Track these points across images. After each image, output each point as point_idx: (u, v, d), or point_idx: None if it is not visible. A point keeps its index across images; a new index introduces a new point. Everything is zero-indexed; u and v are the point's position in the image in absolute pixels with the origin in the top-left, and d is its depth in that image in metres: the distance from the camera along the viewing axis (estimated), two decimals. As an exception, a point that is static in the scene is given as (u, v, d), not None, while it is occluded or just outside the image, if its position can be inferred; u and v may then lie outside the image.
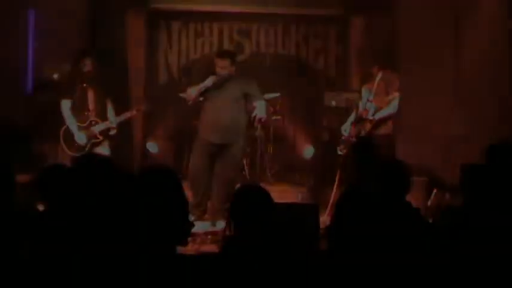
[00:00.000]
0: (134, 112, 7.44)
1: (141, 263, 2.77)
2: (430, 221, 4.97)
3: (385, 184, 4.12)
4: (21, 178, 6.51)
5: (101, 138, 7.13)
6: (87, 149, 7.03)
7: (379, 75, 7.09)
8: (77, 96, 7.08)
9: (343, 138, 7.32)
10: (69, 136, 7.05)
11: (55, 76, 8.65)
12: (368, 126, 7.01)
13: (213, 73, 6.82)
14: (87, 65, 7.04)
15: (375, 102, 7.01)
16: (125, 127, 8.74)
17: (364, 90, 7.27)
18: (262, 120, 6.99)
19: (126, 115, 7.32)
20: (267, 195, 3.46)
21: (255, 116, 6.95)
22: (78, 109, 7.08)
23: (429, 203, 7.27)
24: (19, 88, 8.92)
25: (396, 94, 7.06)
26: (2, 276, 3.23)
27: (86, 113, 7.10)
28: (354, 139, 7.06)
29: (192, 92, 6.91)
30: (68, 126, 7.06)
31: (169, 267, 2.82)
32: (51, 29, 8.85)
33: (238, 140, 6.89)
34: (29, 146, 8.26)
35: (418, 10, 8.63)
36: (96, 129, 7.10)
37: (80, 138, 7.00)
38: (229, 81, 6.79)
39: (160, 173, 3.06)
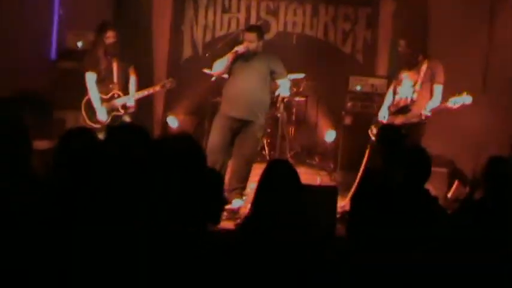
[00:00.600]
0: (158, 88, 7.41)
1: (170, 239, 2.74)
2: (449, 212, 4.95)
3: (406, 170, 4.11)
4: (41, 144, 6.62)
5: (122, 111, 7.13)
6: (108, 120, 7.04)
7: (425, 63, 6.95)
8: (103, 68, 7.07)
9: (378, 121, 7.17)
10: (90, 107, 7.06)
11: (79, 44, 8.68)
12: (417, 118, 6.83)
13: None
14: (110, 37, 7.02)
15: (420, 91, 6.88)
16: (146, 101, 8.77)
17: (406, 77, 7.09)
18: (285, 99, 6.96)
19: (150, 90, 7.31)
20: (296, 174, 3.48)
21: (278, 95, 6.91)
22: (103, 81, 7.08)
23: (449, 194, 7.23)
24: (43, 54, 8.99)
25: (441, 85, 6.91)
26: (17, 241, 3.25)
27: (110, 86, 7.11)
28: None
29: (220, 63, 6.89)
30: (89, 98, 7.06)
31: (200, 244, 2.81)
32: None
33: (260, 117, 6.84)
34: (50, 113, 8.33)
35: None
36: (119, 102, 7.10)
37: (102, 114, 7.01)
38: (256, 57, 6.75)
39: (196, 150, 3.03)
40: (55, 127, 8.16)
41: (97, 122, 7.02)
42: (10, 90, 8.15)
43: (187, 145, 2.93)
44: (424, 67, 6.96)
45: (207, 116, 7.44)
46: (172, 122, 9.54)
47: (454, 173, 7.63)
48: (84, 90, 7.16)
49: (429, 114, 6.69)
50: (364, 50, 10.06)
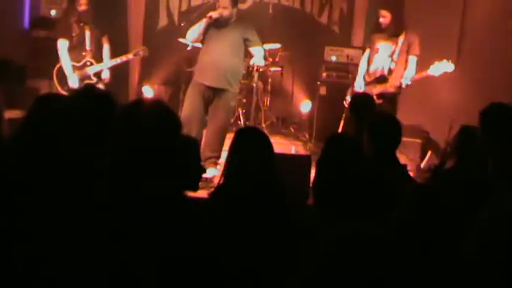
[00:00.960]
0: (131, 56, 7.35)
1: (148, 205, 2.70)
2: (421, 181, 5.01)
3: (377, 137, 4.13)
4: (13, 113, 6.55)
5: (94, 80, 7.08)
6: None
7: (403, 35, 6.96)
8: (75, 36, 6.99)
9: (353, 91, 7.20)
10: (63, 75, 7.00)
11: (52, 12, 8.58)
12: (395, 88, 6.84)
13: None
14: (82, 5, 6.93)
15: (397, 61, 6.90)
16: (121, 71, 8.71)
17: (383, 46, 7.10)
18: (261, 69, 6.95)
19: (123, 58, 7.24)
20: (266, 140, 3.46)
21: (253, 65, 6.88)
22: (75, 48, 7.01)
23: (422, 165, 7.30)
24: (16, 23, 8.87)
25: (416, 56, 6.93)
26: None
27: (83, 53, 7.04)
28: (378, 100, 6.88)
29: (193, 30, 6.86)
30: (61, 66, 7.00)
31: (175, 210, 2.80)
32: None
33: (233, 85, 6.84)
34: (23, 82, 8.25)
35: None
36: (91, 70, 7.05)
37: (73, 80, 6.96)
38: (229, 25, 6.74)
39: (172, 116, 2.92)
40: (28, 96, 8.10)
41: (69, 89, 6.95)
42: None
43: (163, 110, 2.86)
44: (401, 37, 6.97)
45: (183, 86, 7.41)
46: (148, 91, 9.50)
47: (428, 144, 7.71)
48: (57, 58, 7.09)
49: (409, 82, 6.72)
50: (340, 21, 10.05)
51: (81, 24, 6.97)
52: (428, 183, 4.53)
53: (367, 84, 7.11)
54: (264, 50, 7.12)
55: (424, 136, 7.96)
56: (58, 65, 7.01)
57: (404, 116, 8.63)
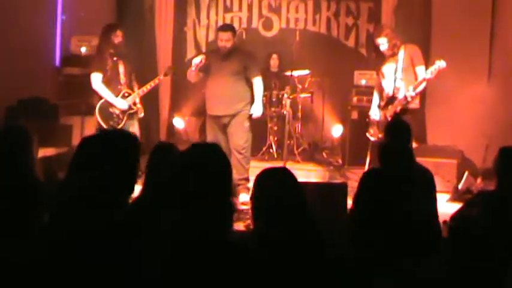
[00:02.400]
0: (161, 77, 7.40)
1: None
2: (461, 204, 4.87)
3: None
4: (48, 151, 6.58)
5: (135, 108, 7.08)
6: (123, 121, 7.00)
7: (402, 50, 6.82)
8: (109, 69, 7.00)
9: (373, 122, 7.09)
10: (104, 110, 6.98)
11: (83, 50, 8.62)
12: (403, 103, 6.74)
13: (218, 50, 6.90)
14: (119, 36, 6.97)
15: (404, 78, 6.77)
16: (151, 103, 8.74)
17: (387, 69, 6.97)
18: (292, 96, 6.98)
19: (154, 83, 7.24)
20: (292, 177, 3.16)
21: (283, 94, 6.87)
22: (111, 82, 7.00)
23: (460, 186, 7.13)
24: (47, 61, 8.93)
25: (422, 65, 6.79)
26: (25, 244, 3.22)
27: (118, 87, 7.05)
28: (389, 119, 6.78)
29: (189, 74, 7.11)
30: (104, 100, 6.98)
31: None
32: (79, 1, 8.85)
33: (242, 108, 6.93)
34: (56, 120, 8.28)
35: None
36: (130, 100, 7.06)
37: (121, 103, 6.96)
38: (230, 55, 6.84)
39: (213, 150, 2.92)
40: (61, 133, 8.12)
41: (115, 124, 6.97)
42: (16, 98, 8.11)
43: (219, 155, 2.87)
44: (400, 52, 6.82)
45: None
46: (178, 123, 9.49)
47: (464, 164, 7.55)
48: (89, 95, 7.09)
49: (413, 93, 6.59)
50: (367, 44, 9.97)
51: (115, 59, 6.98)
52: (471, 212, 4.41)
53: (381, 110, 6.98)
54: (261, 78, 7.08)
55: (459, 156, 7.79)
56: (99, 103, 6.96)
57: (437, 136, 8.59)
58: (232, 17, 10.07)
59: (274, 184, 3.08)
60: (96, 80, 6.91)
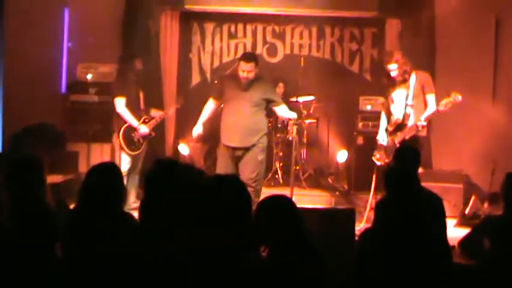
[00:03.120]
0: (174, 109, 7.71)
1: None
2: (469, 229, 4.90)
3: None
4: (55, 178, 6.62)
5: (153, 134, 7.37)
6: (143, 146, 7.28)
7: (413, 76, 6.87)
8: (131, 95, 7.19)
9: (380, 146, 7.13)
10: (127, 136, 7.14)
11: (88, 77, 8.68)
12: (414, 130, 6.79)
13: (236, 75, 6.78)
14: (139, 64, 7.23)
15: (414, 105, 6.81)
16: (157, 129, 8.76)
17: (397, 95, 7.02)
18: (294, 122, 6.99)
19: (170, 110, 7.39)
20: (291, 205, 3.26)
21: (289, 120, 6.88)
22: (132, 107, 7.18)
23: (467, 211, 7.14)
24: (53, 88, 9.01)
25: (432, 93, 6.85)
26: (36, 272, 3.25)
27: (139, 112, 7.26)
28: (397, 145, 6.83)
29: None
30: (127, 125, 7.15)
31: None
32: (85, 29, 8.93)
33: (258, 141, 6.82)
34: (62, 146, 8.33)
35: (456, 10, 8.55)
36: (151, 126, 7.19)
37: (143, 129, 7.19)
38: (250, 85, 6.70)
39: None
40: (68, 160, 8.17)
41: (135, 149, 7.20)
42: (23, 124, 8.16)
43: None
44: (412, 80, 6.87)
45: (217, 143, 7.41)
46: (183, 149, 9.53)
47: (470, 188, 7.57)
48: (111, 123, 7.34)
49: (424, 123, 6.64)
50: (371, 68, 10.05)
51: (136, 87, 7.21)
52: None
53: (389, 135, 7.01)
54: (298, 107, 7.12)
55: (466, 181, 7.81)
56: (123, 127, 7.14)
57: (443, 161, 8.61)
58: (236, 43, 10.15)
59: (274, 212, 3.15)
60: (120, 104, 7.09)
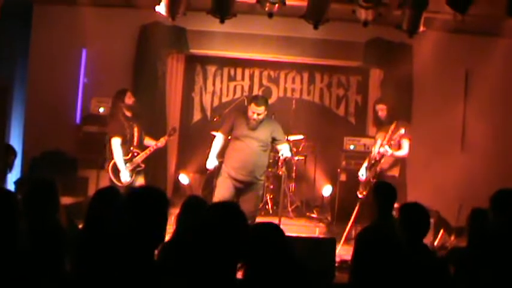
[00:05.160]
0: (165, 140, 7.35)
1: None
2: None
3: (408, 227, 4.10)
4: (66, 200, 6.67)
5: (143, 166, 7.16)
6: (132, 178, 7.05)
7: (394, 123, 7.15)
8: (127, 133, 7.05)
9: (361, 181, 7.34)
10: (116, 169, 7.05)
11: (101, 110, 8.80)
12: (381, 165, 7.08)
13: (245, 114, 6.84)
14: (130, 98, 7.06)
15: (391, 147, 7.04)
16: (159, 160, 8.87)
17: (379, 135, 7.38)
18: (287, 159, 7.03)
19: (161, 142, 7.28)
20: (280, 233, 3.29)
21: (280, 156, 6.95)
22: (125, 144, 7.03)
23: (436, 243, 7.23)
24: (69, 119, 9.13)
25: (407, 140, 7.10)
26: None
27: (131, 148, 7.09)
28: (373, 180, 7.07)
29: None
30: (115, 162, 7.05)
31: None
32: (100, 67, 9.07)
33: (261, 178, 6.93)
34: (75, 172, 8.40)
35: (432, 64, 8.76)
36: (138, 159, 7.10)
37: (125, 176, 7.00)
38: (260, 125, 6.75)
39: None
40: (79, 184, 8.24)
41: (124, 181, 7.02)
42: (40, 150, 8.27)
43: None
44: (392, 126, 7.14)
45: (215, 174, 7.47)
46: (184, 179, 9.58)
47: (439, 223, 7.64)
48: (104, 151, 7.19)
49: (389, 150, 6.98)
50: (356, 113, 10.19)
51: (130, 122, 7.07)
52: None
53: (368, 171, 7.27)
54: (290, 145, 7.15)
55: (436, 215, 7.89)
56: (113, 162, 7.01)
57: (415, 196, 8.71)
58: (235, 85, 10.28)
59: (264, 238, 3.19)
60: (116, 144, 6.95)
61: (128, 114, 7.06)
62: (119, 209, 3.47)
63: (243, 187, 6.80)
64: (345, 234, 7.19)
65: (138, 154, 7.08)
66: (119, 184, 6.91)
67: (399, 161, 7.36)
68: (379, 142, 7.27)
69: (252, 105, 6.69)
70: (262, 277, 3.07)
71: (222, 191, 6.77)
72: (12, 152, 7.32)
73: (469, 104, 9.24)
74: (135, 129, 7.10)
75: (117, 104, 7.12)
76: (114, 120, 7.07)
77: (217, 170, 7.11)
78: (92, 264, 3.55)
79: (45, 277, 3.54)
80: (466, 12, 6.47)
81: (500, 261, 3.96)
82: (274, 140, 6.87)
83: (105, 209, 3.87)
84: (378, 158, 7.18)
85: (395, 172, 7.30)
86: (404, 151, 7.20)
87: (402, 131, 6.95)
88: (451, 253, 4.96)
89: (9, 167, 7.22)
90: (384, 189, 5.27)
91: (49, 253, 3.70)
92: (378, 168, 7.18)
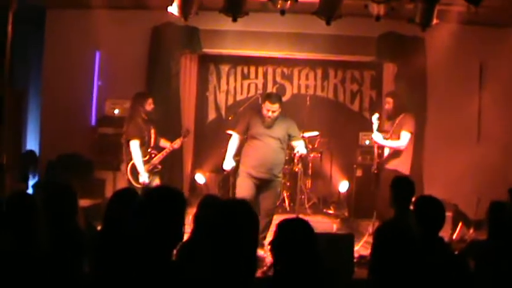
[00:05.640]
0: (180, 142, 7.37)
1: None
2: (456, 252, 4.94)
3: (423, 221, 4.07)
4: (83, 202, 6.70)
5: (160, 167, 7.19)
6: (150, 179, 7.08)
7: (400, 116, 7.21)
8: (145, 135, 7.08)
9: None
10: (135, 169, 7.06)
11: (116, 111, 8.84)
12: (379, 155, 7.20)
13: (260, 112, 6.85)
14: (151, 104, 7.09)
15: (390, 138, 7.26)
16: (176, 160, 8.88)
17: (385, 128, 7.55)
18: (303, 156, 7.01)
19: (178, 142, 7.31)
20: (309, 228, 3.26)
21: (295, 153, 6.94)
22: (143, 146, 7.05)
23: (454, 236, 7.20)
24: (84, 121, 9.17)
25: (408, 132, 7.15)
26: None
27: (148, 150, 7.12)
28: (376, 172, 7.38)
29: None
30: (133, 162, 7.06)
31: None
32: (114, 68, 9.11)
33: (279, 175, 6.94)
34: (91, 173, 8.43)
35: (445, 56, 8.71)
36: (156, 160, 7.13)
37: (144, 177, 7.00)
38: (276, 123, 6.76)
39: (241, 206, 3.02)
40: (96, 186, 8.27)
41: (142, 184, 7.04)
42: (57, 153, 8.32)
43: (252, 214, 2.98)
44: (398, 119, 7.23)
45: (231, 173, 7.47)
46: (200, 178, 9.59)
47: (458, 216, 7.61)
48: (120, 153, 7.20)
49: (380, 140, 7.23)
50: (370, 108, 10.14)
51: (148, 124, 7.09)
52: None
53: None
54: (305, 141, 7.16)
55: (454, 209, 7.85)
56: (131, 163, 7.01)
57: (433, 191, 8.67)
58: (249, 83, 10.28)
59: (294, 232, 3.17)
60: (135, 146, 6.96)
61: (145, 117, 7.08)
62: (137, 210, 3.49)
63: (262, 185, 6.81)
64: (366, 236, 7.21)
65: (155, 155, 7.12)
66: (137, 185, 6.93)
67: (399, 154, 7.30)
68: (384, 135, 7.32)
69: (266, 102, 6.69)
70: (290, 274, 3.06)
71: (243, 191, 6.78)
72: (35, 158, 7.38)
73: (483, 96, 9.17)
74: (152, 131, 7.14)
75: (136, 107, 7.11)
76: (132, 123, 7.05)
77: (235, 169, 7.12)
78: (111, 266, 3.57)
79: (64, 279, 3.57)
80: (479, 4, 6.43)
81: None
82: (289, 137, 6.86)
83: (123, 210, 3.87)
84: (376, 148, 7.37)
85: (393, 166, 7.24)
86: (399, 142, 7.18)
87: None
88: (471, 246, 4.92)
89: (33, 173, 7.27)
90: (400, 183, 5.25)
91: (68, 255, 3.73)
92: (378, 160, 7.22)
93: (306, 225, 3.25)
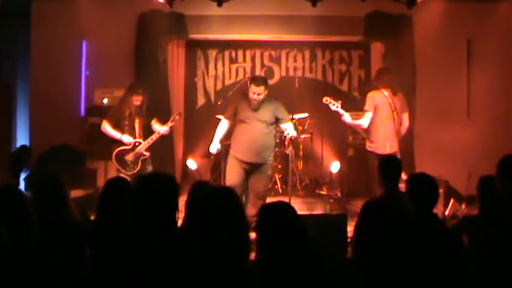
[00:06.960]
0: (170, 124, 7.33)
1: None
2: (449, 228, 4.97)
3: (417, 199, 4.05)
4: (76, 193, 6.71)
5: (147, 154, 7.18)
6: (138, 166, 7.11)
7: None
8: (126, 125, 7.14)
9: None
10: (121, 158, 7.12)
11: (105, 101, 8.82)
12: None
13: (247, 96, 6.84)
14: (138, 100, 7.10)
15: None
16: (167, 146, 8.87)
17: None
18: (293, 138, 7.02)
19: (167, 125, 7.28)
20: (292, 211, 3.21)
21: (286, 136, 6.95)
22: (117, 128, 7.13)
23: (447, 212, 7.25)
24: (73, 112, 9.15)
25: (368, 111, 7.33)
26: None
27: (133, 140, 7.15)
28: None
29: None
30: (117, 151, 7.13)
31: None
32: (101, 58, 9.07)
33: (269, 158, 6.93)
34: (83, 164, 8.42)
35: (433, 34, 8.72)
36: (142, 148, 7.13)
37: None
38: (262, 105, 6.76)
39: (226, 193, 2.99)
40: (88, 177, 8.27)
41: (131, 169, 7.11)
42: (47, 145, 8.30)
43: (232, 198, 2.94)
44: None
45: (223, 158, 7.47)
46: (191, 164, 9.59)
47: (449, 192, 7.65)
48: (110, 142, 7.23)
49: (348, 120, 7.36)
50: (359, 88, 10.14)
51: (132, 116, 7.14)
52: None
53: None
54: (294, 123, 7.16)
55: (445, 185, 7.90)
56: (116, 150, 7.11)
57: (425, 167, 8.73)
58: (237, 67, 10.25)
59: (276, 217, 3.12)
60: (106, 125, 7.13)
61: (135, 110, 7.13)
62: (130, 198, 3.50)
63: (252, 168, 6.82)
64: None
65: (140, 144, 7.12)
66: (126, 173, 6.97)
67: (368, 135, 7.41)
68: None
69: (252, 86, 6.70)
70: (275, 257, 3.03)
71: (232, 176, 6.81)
72: (28, 154, 7.37)
73: (472, 72, 9.19)
74: (137, 123, 7.14)
75: (124, 99, 7.23)
76: (115, 110, 7.23)
77: (225, 153, 7.12)
78: (106, 254, 3.59)
79: (60, 270, 3.58)
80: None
81: (508, 225, 3.99)
82: (277, 119, 6.85)
83: (116, 199, 3.88)
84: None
85: (372, 147, 7.28)
86: (361, 120, 7.34)
87: None
88: (463, 221, 4.97)
89: (25, 167, 7.26)
90: (387, 163, 5.28)
91: (65, 247, 3.74)
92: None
93: (288, 208, 3.21)
